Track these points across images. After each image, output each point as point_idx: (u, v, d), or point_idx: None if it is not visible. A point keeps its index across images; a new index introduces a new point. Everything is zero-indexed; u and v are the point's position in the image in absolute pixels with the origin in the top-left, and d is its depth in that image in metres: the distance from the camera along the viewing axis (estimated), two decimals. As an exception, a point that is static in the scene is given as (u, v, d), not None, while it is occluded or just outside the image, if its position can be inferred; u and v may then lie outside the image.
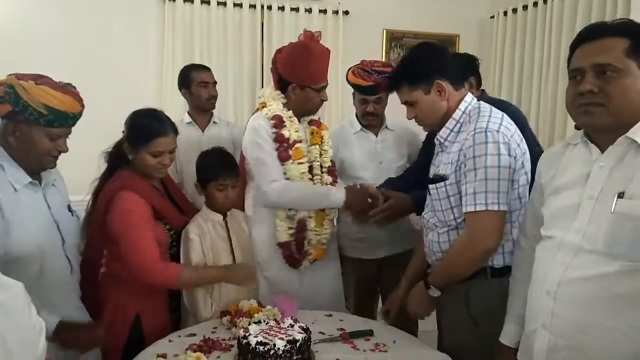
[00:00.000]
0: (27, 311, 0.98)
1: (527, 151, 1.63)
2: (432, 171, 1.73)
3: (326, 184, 2.19)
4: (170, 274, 1.76)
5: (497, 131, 1.53)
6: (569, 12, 3.78)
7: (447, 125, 1.66)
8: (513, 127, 1.61)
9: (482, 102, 1.68)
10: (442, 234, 1.67)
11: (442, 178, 1.63)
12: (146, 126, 1.84)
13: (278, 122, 2.11)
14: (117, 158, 1.90)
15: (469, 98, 1.66)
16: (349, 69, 2.57)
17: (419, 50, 1.77)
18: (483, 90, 2.48)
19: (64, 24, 3.70)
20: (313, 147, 2.19)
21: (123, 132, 1.90)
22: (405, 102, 1.73)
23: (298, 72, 2.11)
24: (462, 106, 1.64)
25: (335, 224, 2.38)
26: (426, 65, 1.67)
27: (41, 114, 1.55)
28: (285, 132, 2.11)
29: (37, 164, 1.65)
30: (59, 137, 1.63)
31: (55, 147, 1.63)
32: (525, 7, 4.21)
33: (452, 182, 1.61)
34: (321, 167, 2.20)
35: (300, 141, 2.14)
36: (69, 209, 1.80)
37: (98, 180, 1.92)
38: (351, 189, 2.16)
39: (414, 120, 1.75)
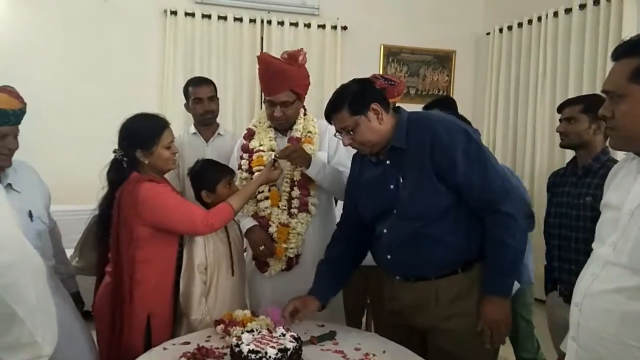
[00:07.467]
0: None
1: None
2: None
3: (295, 198, 2.18)
4: (224, 208, 1.88)
5: None
6: (563, 30, 3.85)
7: None
8: None
9: None
10: None
11: None
12: (151, 124, 1.90)
13: (247, 134, 2.26)
14: (118, 174, 1.90)
15: None
16: None
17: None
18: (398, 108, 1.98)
19: (66, 37, 3.77)
20: (285, 162, 2.21)
21: (117, 150, 1.90)
22: None
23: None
24: None
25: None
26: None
27: None
28: (253, 143, 2.21)
29: None
30: (6, 136, 1.66)
31: (5, 146, 1.66)
32: (520, 25, 4.29)
33: None
34: (292, 181, 2.21)
35: (271, 149, 2.18)
36: (30, 214, 1.80)
37: (102, 201, 1.90)
38: (257, 230, 2.16)
39: None
